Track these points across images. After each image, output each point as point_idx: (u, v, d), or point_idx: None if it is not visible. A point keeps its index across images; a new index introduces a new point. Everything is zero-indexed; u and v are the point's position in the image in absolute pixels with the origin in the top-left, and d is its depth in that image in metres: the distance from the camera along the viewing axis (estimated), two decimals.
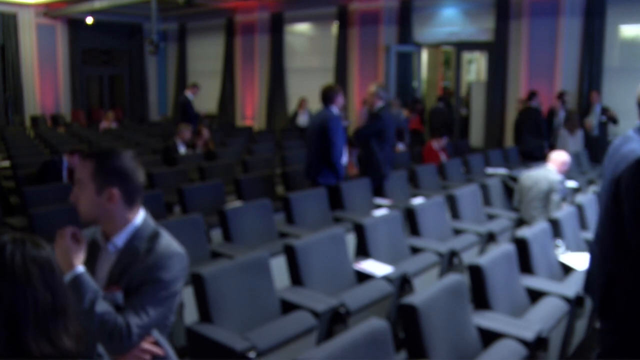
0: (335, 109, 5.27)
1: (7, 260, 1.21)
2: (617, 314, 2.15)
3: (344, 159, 5.47)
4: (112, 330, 1.62)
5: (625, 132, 2.34)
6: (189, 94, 9.81)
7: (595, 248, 2.43)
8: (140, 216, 1.82)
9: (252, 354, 2.60)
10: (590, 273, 2.55)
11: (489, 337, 2.73)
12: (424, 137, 10.46)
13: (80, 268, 1.69)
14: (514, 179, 5.93)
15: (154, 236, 1.78)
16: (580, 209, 4.71)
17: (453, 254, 4.20)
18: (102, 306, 1.64)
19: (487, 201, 5.68)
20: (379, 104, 5.63)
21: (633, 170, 1.95)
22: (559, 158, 5.10)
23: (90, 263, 1.80)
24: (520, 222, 5.10)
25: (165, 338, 1.83)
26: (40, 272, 1.22)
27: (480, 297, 3.00)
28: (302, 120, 11.09)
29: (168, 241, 1.79)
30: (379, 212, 4.66)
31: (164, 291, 1.71)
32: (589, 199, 4.96)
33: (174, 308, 1.78)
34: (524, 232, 3.72)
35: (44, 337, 1.20)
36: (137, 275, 1.71)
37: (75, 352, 1.25)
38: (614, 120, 8.44)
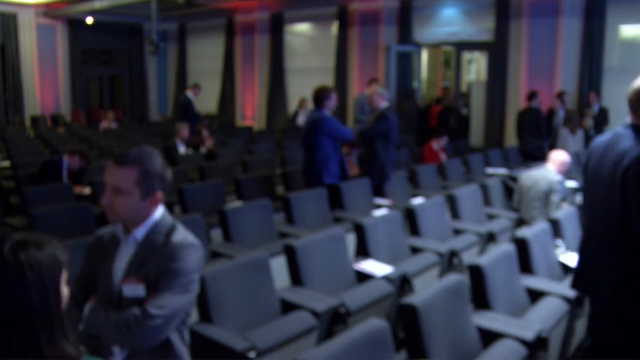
0: (326, 111, 5.29)
1: (8, 264, 1.21)
2: (633, 304, 2.21)
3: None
4: (128, 320, 1.69)
5: (615, 130, 2.42)
6: (189, 94, 9.81)
7: (594, 244, 2.45)
8: (159, 211, 1.88)
9: (252, 354, 2.60)
10: (585, 269, 2.56)
11: (489, 337, 2.73)
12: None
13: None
14: (514, 179, 5.93)
15: (171, 230, 1.85)
16: (580, 209, 4.71)
17: (453, 254, 4.20)
18: (115, 313, 1.74)
19: (487, 201, 5.67)
20: (383, 104, 5.62)
21: (638, 166, 2.13)
22: (558, 158, 5.10)
23: (110, 257, 1.86)
24: (520, 222, 5.10)
25: (185, 330, 1.89)
26: (38, 277, 1.22)
27: (480, 297, 3.00)
28: (303, 120, 11.08)
29: (183, 234, 1.85)
30: (379, 212, 4.66)
31: (179, 280, 1.76)
32: None
33: (192, 301, 1.84)
34: (524, 232, 3.72)
35: (51, 340, 1.22)
36: (154, 267, 1.78)
37: (77, 357, 1.26)
38: (605, 121, 8.48)
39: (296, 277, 3.40)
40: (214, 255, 4.01)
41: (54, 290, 1.25)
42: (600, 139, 2.47)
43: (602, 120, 8.49)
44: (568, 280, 3.57)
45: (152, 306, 1.70)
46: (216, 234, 4.53)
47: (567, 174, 5.47)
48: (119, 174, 1.78)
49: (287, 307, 3.13)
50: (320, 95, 5.27)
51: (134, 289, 1.77)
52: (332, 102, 5.33)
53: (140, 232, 1.84)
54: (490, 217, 5.31)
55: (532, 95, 8.29)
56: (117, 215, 1.82)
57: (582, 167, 2.58)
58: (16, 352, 1.18)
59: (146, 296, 1.76)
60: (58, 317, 1.25)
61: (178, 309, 1.75)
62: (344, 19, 11.93)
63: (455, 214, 5.08)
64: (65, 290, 1.31)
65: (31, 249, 1.23)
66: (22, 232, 1.29)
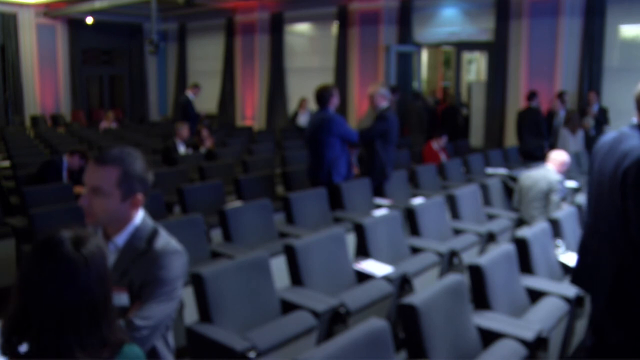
0: (331, 110, 5.30)
1: (75, 260, 1.29)
2: (629, 303, 2.22)
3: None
4: None
5: (620, 129, 2.40)
6: (189, 94, 9.82)
7: (596, 243, 2.46)
8: (140, 215, 1.83)
9: (252, 354, 2.60)
10: (584, 265, 2.58)
11: (489, 337, 2.74)
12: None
13: None
14: (514, 179, 5.93)
15: (153, 235, 1.79)
16: (580, 209, 4.70)
17: (453, 254, 4.20)
18: None
19: (487, 201, 5.67)
20: (383, 104, 5.62)
21: (638, 167, 2.12)
22: (558, 158, 5.10)
23: None
24: (520, 222, 5.10)
25: (169, 335, 1.86)
26: (96, 268, 1.31)
27: (480, 297, 3.00)
28: (303, 120, 11.07)
29: (166, 240, 1.80)
30: (379, 212, 4.66)
31: (164, 289, 1.72)
32: None
33: (177, 306, 1.80)
34: (524, 232, 3.72)
35: (110, 326, 1.32)
36: (137, 275, 1.73)
37: (125, 342, 1.35)
38: (605, 120, 8.49)
39: (296, 277, 3.39)
40: (214, 255, 4.00)
41: (108, 280, 1.34)
42: (606, 138, 2.46)
43: (602, 120, 8.49)
44: (568, 280, 3.58)
45: (138, 318, 1.65)
46: (216, 234, 4.52)
47: (567, 174, 5.46)
48: (99, 173, 1.74)
49: (287, 307, 3.13)
50: (324, 94, 5.28)
51: (118, 298, 1.69)
52: (336, 100, 5.36)
53: (121, 239, 1.78)
54: (490, 217, 5.31)
55: (531, 95, 8.29)
56: (96, 218, 1.76)
57: (588, 165, 2.59)
58: (84, 339, 1.27)
59: (130, 305, 1.71)
60: (113, 305, 1.35)
61: (164, 318, 1.72)
62: (344, 19, 11.93)
63: (455, 214, 5.07)
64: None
65: (87, 243, 1.32)
66: (66, 229, 1.35)
